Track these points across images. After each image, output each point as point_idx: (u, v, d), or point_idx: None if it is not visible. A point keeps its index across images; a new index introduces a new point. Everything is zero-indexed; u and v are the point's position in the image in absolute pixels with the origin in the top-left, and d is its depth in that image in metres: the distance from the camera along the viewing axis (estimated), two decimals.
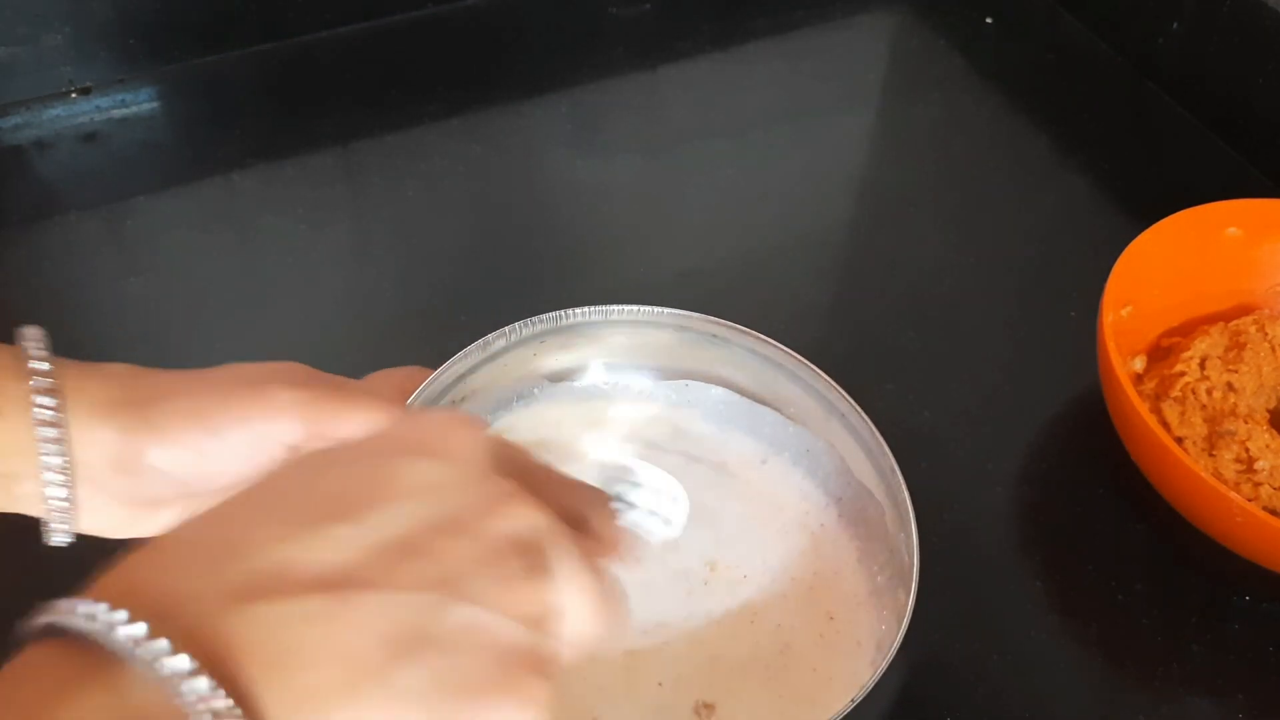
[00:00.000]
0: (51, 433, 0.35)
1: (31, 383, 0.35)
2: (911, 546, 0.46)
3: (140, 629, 0.23)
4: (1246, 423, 0.53)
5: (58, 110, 0.72)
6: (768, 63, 0.82)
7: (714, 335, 0.54)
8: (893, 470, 0.48)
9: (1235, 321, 0.59)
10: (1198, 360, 0.56)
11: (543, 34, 0.82)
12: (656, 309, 0.54)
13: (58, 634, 0.24)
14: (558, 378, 0.55)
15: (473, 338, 0.51)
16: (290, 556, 0.26)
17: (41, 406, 0.35)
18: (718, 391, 0.55)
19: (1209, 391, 0.55)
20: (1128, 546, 0.55)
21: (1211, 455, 0.53)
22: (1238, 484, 0.52)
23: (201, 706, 0.23)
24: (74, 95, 0.73)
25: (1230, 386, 0.55)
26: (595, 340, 0.55)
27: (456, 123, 0.75)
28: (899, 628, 0.44)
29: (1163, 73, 0.81)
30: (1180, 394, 0.55)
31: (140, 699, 0.23)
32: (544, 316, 0.53)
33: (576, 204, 0.71)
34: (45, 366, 0.35)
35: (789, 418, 0.54)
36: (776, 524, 0.52)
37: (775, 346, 0.53)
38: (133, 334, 0.61)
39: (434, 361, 0.51)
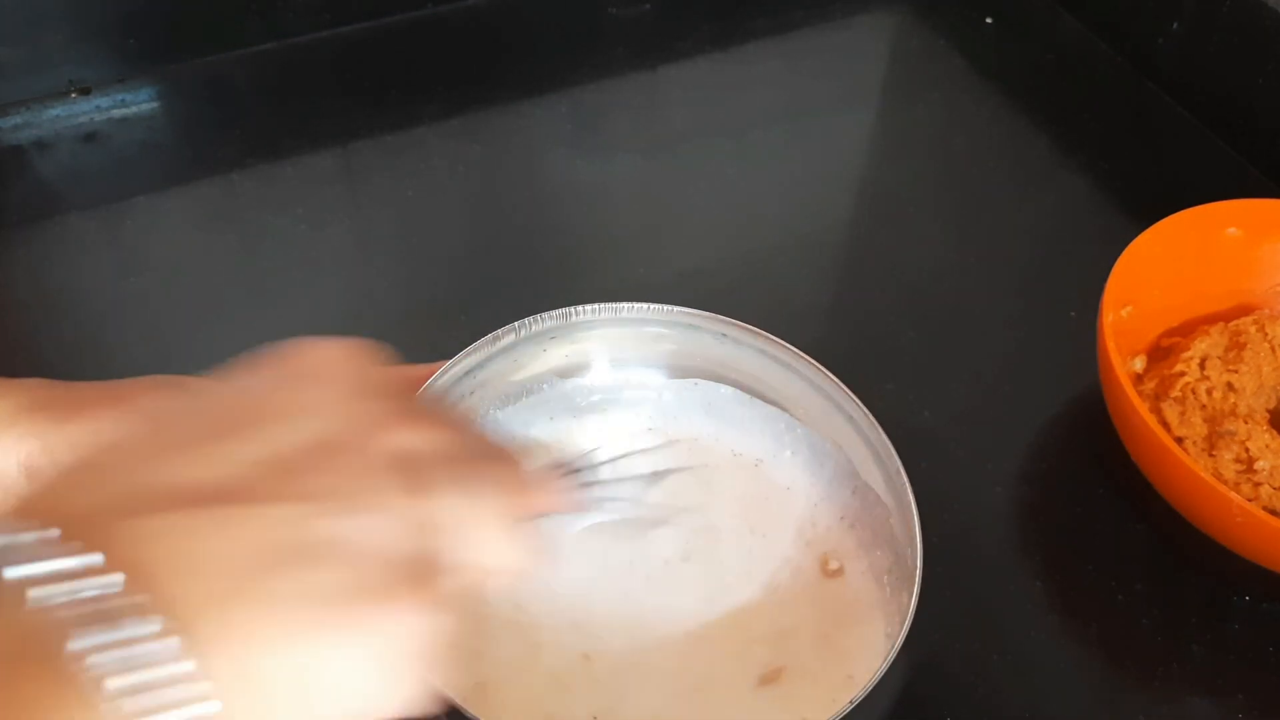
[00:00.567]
0: None
1: None
2: (915, 548, 0.46)
3: (53, 533, 0.24)
4: (1246, 423, 0.53)
5: (58, 110, 0.72)
6: (768, 63, 0.82)
7: (723, 334, 0.54)
8: (898, 472, 0.48)
9: (1235, 321, 0.59)
10: (1198, 360, 0.56)
11: (543, 34, 0.82)
12: (666, 307, 0.54)
13: None
14: (566, 374, 0.55)
15: (473, 338, 0.51)
16: (175, 474, 0.27)
17: None
18: (726, 390, 0.55)
19: (1209, 391, 0.55)
20: (1128, 546, 0.55)
21: (1211, 455, 0.53)
22: (1238, 484, 0.52)
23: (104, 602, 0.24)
24: (74, 95, 0.73)
25: (1230, 386, 0.55)
26: (604, 337, 0.55)
27: (456, 123, 0.75)
28: (900, 628, 0.44)
29: (1163, 73, 0.81)
30: (1180, 394, 0.55)
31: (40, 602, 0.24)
32: (554, 313, 0.53)
33: (576, 204, 0.71)
34: None
35: (797, 418, 0.54)
36: (782, 523, 0.52)
37: (784, 347, 0.53)
38: (133, 334, 0.61)
39: (430, 364, 0.51)
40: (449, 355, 0.50)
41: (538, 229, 0.69)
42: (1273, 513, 0.50)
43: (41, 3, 0.69)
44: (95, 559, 0.24)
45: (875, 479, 0.51)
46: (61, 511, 0.25)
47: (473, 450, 0.33)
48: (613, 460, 0.41)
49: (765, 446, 0.55)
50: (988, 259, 0.69)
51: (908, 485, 0.48)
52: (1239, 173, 0.75)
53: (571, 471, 0.40)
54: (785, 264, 0.67)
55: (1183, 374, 0.56)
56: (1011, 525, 0.56)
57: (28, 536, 0.24)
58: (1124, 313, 0.57)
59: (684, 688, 0.47)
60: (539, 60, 0.80)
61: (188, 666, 0.24)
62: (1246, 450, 0.52)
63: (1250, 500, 0.50)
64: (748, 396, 0.55)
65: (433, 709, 0.29)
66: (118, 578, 0.24)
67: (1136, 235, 0.58)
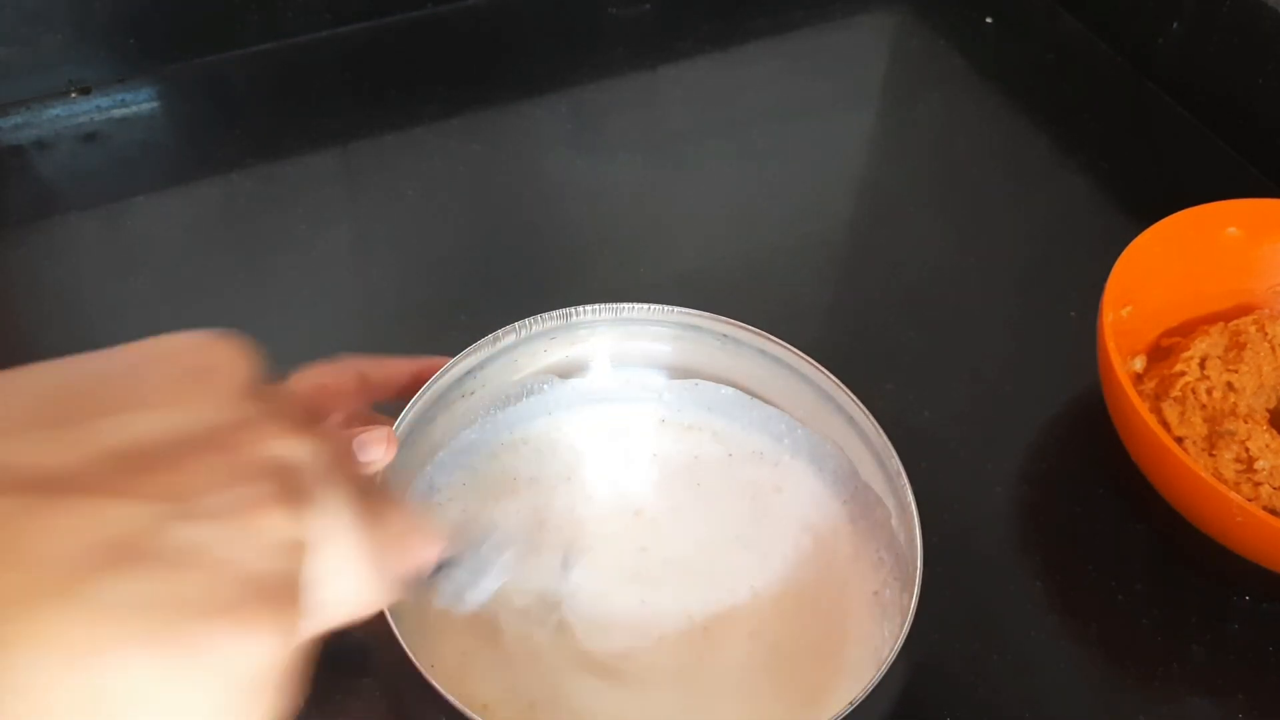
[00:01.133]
0: None
1: None
2: (915, 549, 0.46)
3: None
4: (1246, 422, 0.53)
5: (58, 110, 0.72)
6: (768, 63, 0.82)
7: (724, 335, 0.54)
8: (899, 473, 0.48)
9: (1235, 321, 0.59)
10: (1198, 360, 0.56)
11: (543, 34, 0.82)
12: (666, 307, 0.54)
13: None
14: (567, 374, 0.55)
15: (473, 338, 0.51)
16: (8, 455, 0.24)
17: None
18: (727, 391, 0.55)
19: (1209, 391, 0.55)
20: (1128, 546, 0.55)
21: (1211, 455, 0.53)
22: (1238, 484, 0.52)
23: None
24: (74, 95, 0.73)
25: (1230, 386, 0.55)
26: (604, 337, 0.55)
27: (456, 123, 0.75)
28: (901, 628, 0.44)
29: (1163, 73, 0.81)
30: (1180, 394, 0.55)
31: None
32: (554, 313, 0.53)
33: (576, 204, 0.71)
34: None
35: (798, 419, 0.54)
36: (782, 523, 0.52)
37: (785, 348, 0.53)
38: (133, 334, 0.61)
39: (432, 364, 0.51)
40: (449, 355, 0.50)
41: (538, 229, 0.69)
42: (1273, 513, 0.50)
43: (41, 3, 0.69)
44: None
45: (875, 479, 0.51)
46: None
47: (356, 483, 0.30)
48: (505, 546, 0.40)
49: (765, 447, 0.55)
50: (988, 259, 0.69)
51: (908, 485, 0.48)
52: (1239, 173, 0.75)
53: (460, 550, 0.39)
54: (785, 264, 0.67)
55: (1183, 374, 0.56)
56: (1011, 525, 0.56)
57: None
58: (1124, 313, 0.57)
59: (682, 688, 0.47)
60: (539, 60, 0.80)
61: None
62: (1246, 450, 0.52)
63: (1250, 500, 0.50)
64: (748, 397, 0.55)
65: None
66: None
67: (1136, 235, 0.58)
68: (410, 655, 0.42)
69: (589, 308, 0.53)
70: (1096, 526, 0.56)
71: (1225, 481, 0.52)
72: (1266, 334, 0.57)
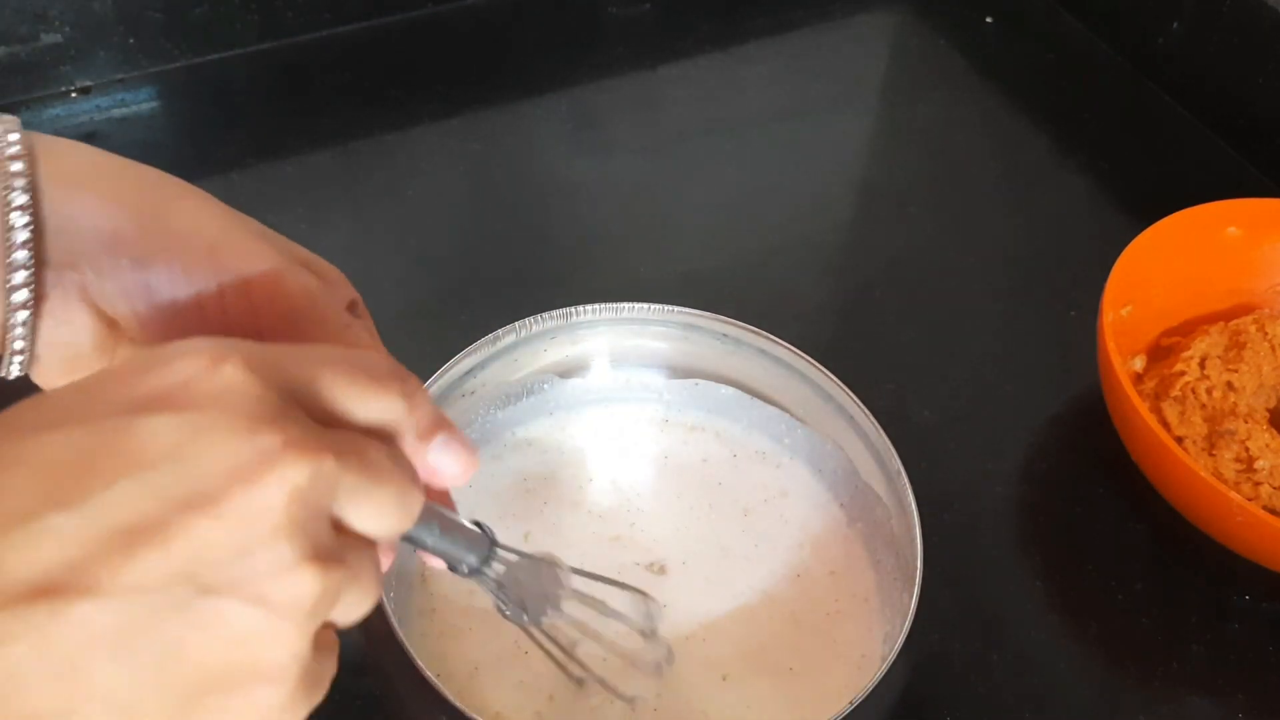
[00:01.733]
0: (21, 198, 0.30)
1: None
2: (915, 549, 0.46)
3: None
4: (1246, 422, 0.53)
5: (58, 110, 0.72)
6: (768, 62, 0.82)
7: (724, 334, 0.54)
8: (899, 473, 0.48)
9: (1235, 321, 0.59)
10: (1197, 360, 0.56)
11: (543, 34, 0.82)
12: (666, 307, 0.54)
13: None
14: (567, 374, 0.55)
15: (474, 337, 0.51)
16: (1, 558, 0.22)
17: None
18: (727, 391, 0.55)
19: (1209, 391, 0.55)
20: (1128, 546, 0.55)
21: (1211, 455, 0.53)
22: (1237, 483, 0.52)
23: None
24: (74, 95, 0.73)
25: (1230, 386, 0.55)
26: (604, 337, 0.55)
27: (456, 122, 0.75)
28: (901, 628, 0.44)
29: (1162, 73, 0.81)
30: (1180, 393, 0.55)
31: None
32: (554, 313, 0.53)
33: (576, 204, 0.71)
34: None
35: (798, 418, 0.54)
36: (783, 523, 0.52)
37: (785, 347, 0.53)
38: None
39: (435, 361, 0.51)
40: (449, 355, 0.50)
41: (538, 229, 0.69)
42: (1272, 512, 0.50)
43: (41, 3, 0.69)
44: None
45: (875, 479, 0.51)
46: None
47: (372, 415, 0.27)
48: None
49: (765, 446, 0.55)
50: (988, 259, 0.69)
51: (908, 485, 0.48)
52: (1239, 173, 0.75)
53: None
54: (785, 264, 0.67)
55: (1183, 373, 0.56)
56: (1011, 525, 0.56)
57: None
58: (1124, 312, 0.57)
59: (683, 688, 0.47)
60: (539, 60, 0.80)
61: None
62: (1246, 449, 0.52)
63: (1250, 499, 0.50)
64: (748, 396, 0.55)
65: None
66: None
67: (1136, 235, 0.58)
68: (417, 662, 0.42)
69: (589, 308, 0.53)
70: (1096, 526, 0.56)
71: (1225, 481, 0.52)
72: (1266, 334, 0.57)
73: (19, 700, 0.21)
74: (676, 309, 0.54)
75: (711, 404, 0.56)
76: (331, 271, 0.37)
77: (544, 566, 0.39)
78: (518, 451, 0.54)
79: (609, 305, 0.54)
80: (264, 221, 0.38)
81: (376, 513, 0.26)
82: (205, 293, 0.33)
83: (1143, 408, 0.51)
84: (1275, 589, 0.53)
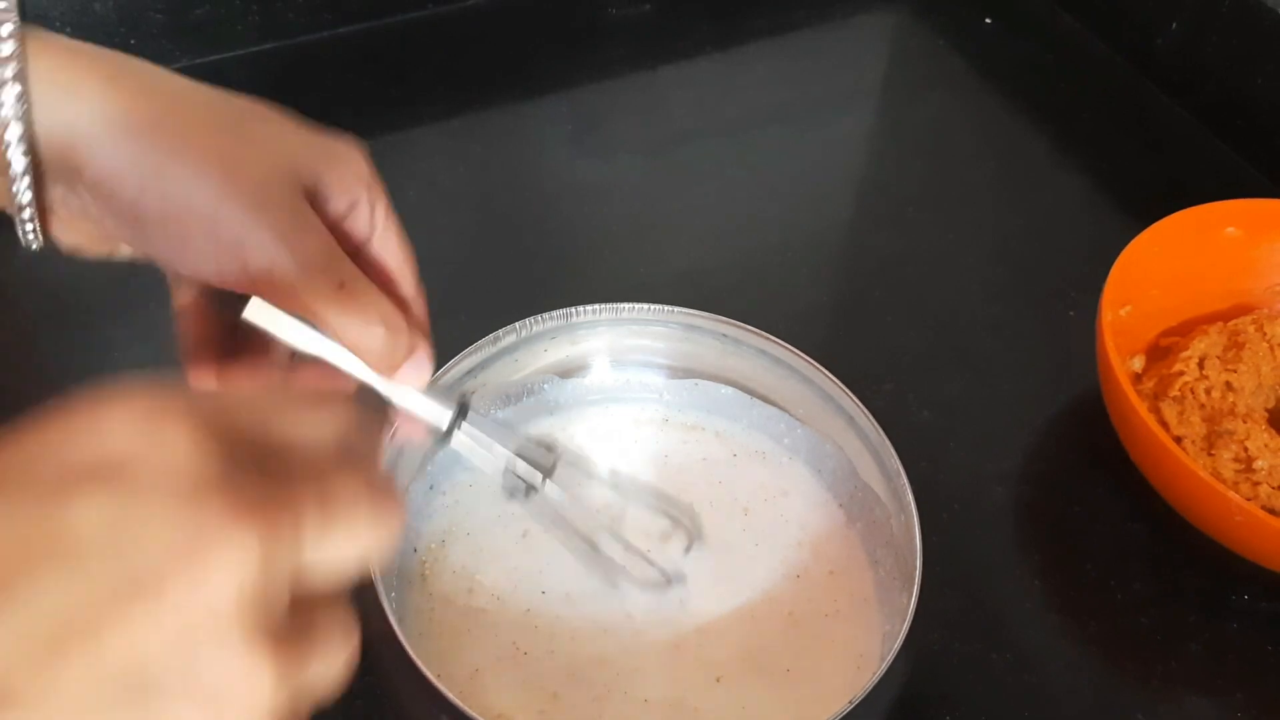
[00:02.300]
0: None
1: None
2: (915, 548, 0.46)
3: None
4: (1245, 422, 0.53)
5: None
6: (768, 63, 0.82)
7: (724, 334, 0.54)
8: (898, 473, 0.48)
9: (1234, 321, 0.59)
10: (1196, 360, 0.56)
11: (543, 34, 0.82)
12: (666, 307, 0.54)
13: None
14: (566, 374, 0.55)
15: (474, 337, 0.51)
16: None
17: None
18: (726, 391, 0.55)
19: (1208, 391, 0.55)
20: (1127, 546, 0.55)
21: (1210, 455, 0.53)
22: (1236, 483, 0.52)
23: None
24: None
25: (1229, 386, 0.55)
26: (604, 337, 0.55)
27: (457, 123, 0.75)
28: (901, 628, 0.44)
29: (1162, 73, 0.81)
30: (1179, 393, 0.55)
31: None
32: (554, 313, 0.53)
33: (576, 204, 0.71)
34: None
35: (797, 418, 0.54)
36: (782, 523, 0.52)
37: (784, 347, 0.53)
38: (133, 334, 0.61)
39: (435, 361, 0.51)
40: (449, 355, 0.50)
41: (538, 229, 0.69)
42: (1271, 512, 0.50)
43: (42, 3, 0.69)
44: None
45: (875, 479, 0.51)
46: None
47: (326, 454, 0.25)
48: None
49: (765, 447, 0.55)
50: (987, 258, 0.69)
51: (908, 485, 0.48)
52: (1238, 173, 0.75)
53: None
54: (785, 264, 0.68)
55: (1181, 373, 0.56)
56: (1011, 525, 0.56)
57: None
58: (1123, 312, 0.57)
59: (683, 687, 0.47)
60: (539, 60, 0.80)
61: None
62: (1245, 449, 0.52)
63: (1249, 499, 0.50)
64: (748, 397, 0.55)
65: None
66: None
67: (1136, 235, 0.58)
68: (417, 662, 0.42)
69: (589, 308, 0.54)
70: (1096, 526, 0.56)
71: (1224, 481, 0.52)
72: (1265, 334, 0.57)
73: None
74: (676, 309, 0.54)
75: (711, 404, 0.56)
76: (344, 177, 0.38)
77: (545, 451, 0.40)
78: None
79: (609, 305, 0.54)
80: None
81: (350, 543, 0.24)
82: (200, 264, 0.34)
83: (1142, 408, 0.51)
84: (1274, 588, 0.53)
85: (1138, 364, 0.59)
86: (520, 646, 0.47)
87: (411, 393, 0.37)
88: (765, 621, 0.49)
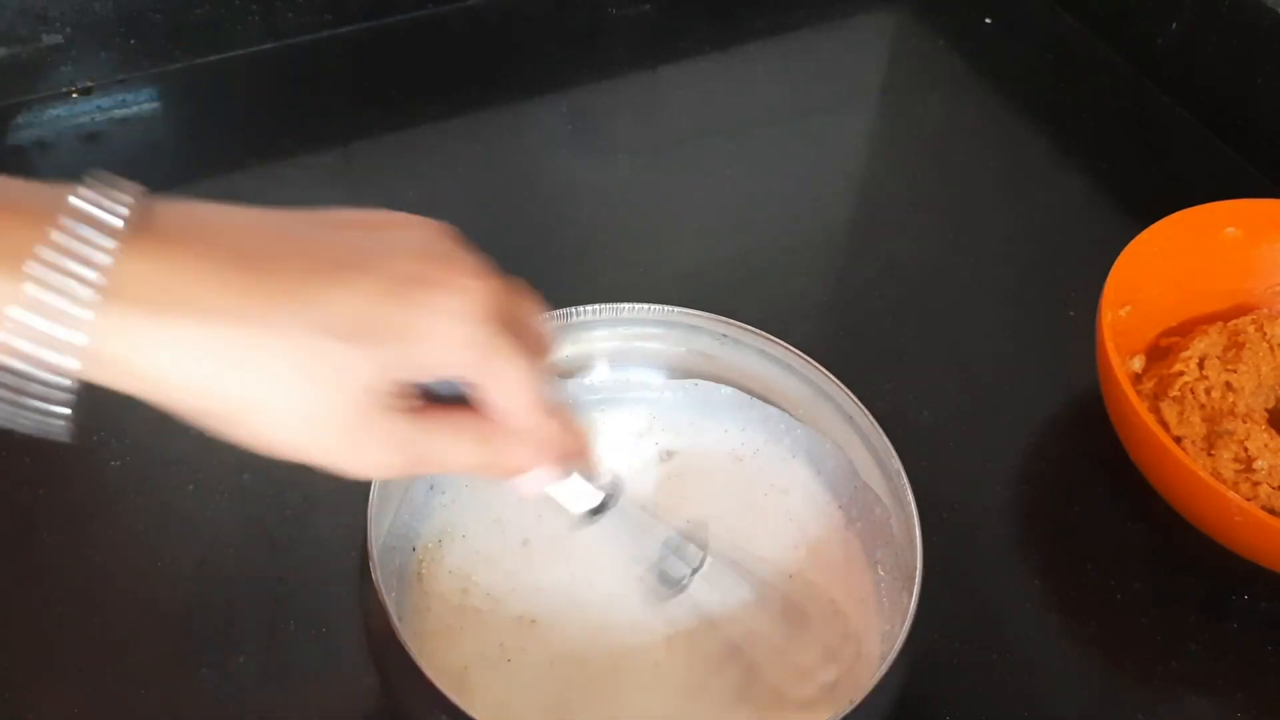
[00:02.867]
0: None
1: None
2: (915, 549, 0.46)
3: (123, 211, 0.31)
4: (1245, 422, 0.53)
5: (58, 110, 0.72)
6: (768, 63, 0.82)
7: (724, 335, 0.54)
8: (898, 473, 0.48)
9: (1234, 321, 0.59)
10: (1196, 360, 0.56)
11: (543, 34, 0.82)
12: (666, 307, 0.54)
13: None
14: (567, 374, 0.55)
15: None
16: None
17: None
18: (726, 390, 0.55)
19: (1207, 391, 0.55)
20: (1127, 546, 0.55)
21: (1210, 455, 0.53)
22: (1236, 483, 0.52)
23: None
24: (74, 95, 0.73)
25: (1229, 386, 0.55)
26: (604, 337, 0.55)
27: (457, 123, 0.75)
28: (901, 628, 0.44)
29: (1161, 73, 0.81)
30: (1179, 393, 0.55)
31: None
32: (555, 313, 0.53)
33: (576, 204, 0.71)
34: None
35: (797, 418, 0.54)
36: (783, 523, 0.52)
37: (784, 347, 0.53)
38: None
39: None
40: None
41: (537, 229, 0.69)
42: (1271, 512, 0.50)
43: (41, 3, 0.69)
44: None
45: (875, 479, 0.51)
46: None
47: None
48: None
49: (765, 447, 0.55)
50: (987, 259, 0.69)
51: (908, 485, 0.48)
52: (1238, 173, 0.75)
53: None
54: (785, 264, 0.68)
55: (1181, 373, 0.56)
56: (1011, 525, 0.56)
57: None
58: (1123, 312, 0.57)
59: (682, 687, 0.47)
60: (539, 60, 0.80)
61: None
62: (1245, 449, 0.52)
63: (1249, 499, 0.50)
64: (748, 397, 0.55)
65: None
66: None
67: (1136, 235, 0.58)
68: (417, 662, 0.42)
69: (588, 307, 0.54)
70: (1096, 526, 0.56)
71: (1224, 481, 0.52)
72: (1265, 334, 0.57)
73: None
74: (676, 309, 0.54)
75: (711, 404, 0.56)
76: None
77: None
78: None
79: (609, 305, 0.54)
80: None
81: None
82: None
83: (1141, 408, 0.51)
84: (1274, 589, 0.53)
85: (1138, 364, 0.59)
86: (518, 646, 0.47)
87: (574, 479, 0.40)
88: (764, 622, 0.49)
